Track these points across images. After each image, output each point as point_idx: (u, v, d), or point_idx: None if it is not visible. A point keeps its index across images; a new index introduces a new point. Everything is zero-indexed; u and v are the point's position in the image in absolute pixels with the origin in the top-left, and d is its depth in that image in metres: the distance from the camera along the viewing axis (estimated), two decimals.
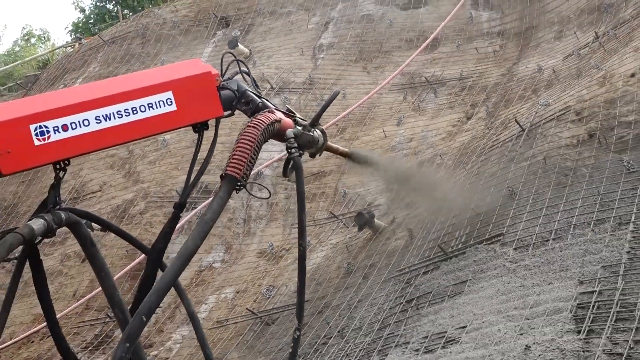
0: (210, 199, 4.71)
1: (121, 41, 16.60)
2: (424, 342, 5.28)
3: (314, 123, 5.38)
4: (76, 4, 26.23)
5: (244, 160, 4.76)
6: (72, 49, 19.98)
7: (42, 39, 28.92)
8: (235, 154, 4.79)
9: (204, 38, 15.51)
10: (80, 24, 25.49)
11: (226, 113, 4.90)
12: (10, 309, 4.07)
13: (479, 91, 10.66)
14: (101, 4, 24.99)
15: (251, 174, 5.02)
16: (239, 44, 13.40)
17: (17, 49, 28.16)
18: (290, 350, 5.95)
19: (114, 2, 24.42)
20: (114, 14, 23.69)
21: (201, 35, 15.55)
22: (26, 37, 28.90)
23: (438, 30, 12.21)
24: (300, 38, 14.01)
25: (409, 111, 11.04)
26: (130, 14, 21.21)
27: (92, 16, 25.21)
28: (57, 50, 23.21)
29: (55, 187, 4.16)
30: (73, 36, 24.64)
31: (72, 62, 17.44)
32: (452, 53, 12.10)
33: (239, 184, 4.76)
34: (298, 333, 5.88)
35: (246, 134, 4.89)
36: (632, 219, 5.37)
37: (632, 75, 7.33)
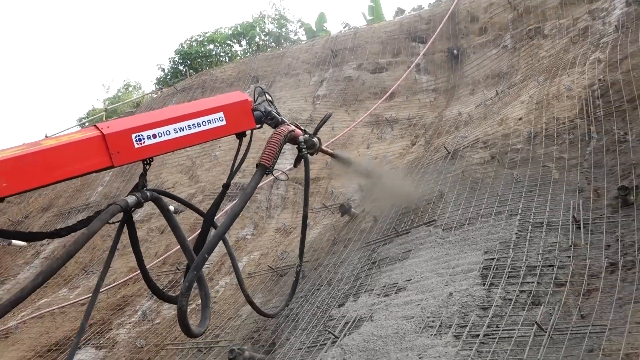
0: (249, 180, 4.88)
1: (188, 90, 16.56)
2: (383, 289, 5.29)
3: (315, 133, 5.69)
4: (159, 65, 26.18)
5: (272, 154, 4.83)
6: (156, 95, 19.94)
7: (136, 87, 28.77)
8: (266, 150, 4.87)
9: (242, 89, 15.45)
10: (161, 79, 25.37)
11: (257, 126, 4.97)
12: (113, 256, 4.04)
13: (420, 127, 10.67)
14: (175, 66, 24.85)
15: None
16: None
17: (119, 94, 28.04)
18: (294, 279, 5.96)
19: (183, 64, 24.31)
20: (184, 72, 23.60)
21: (240, 88, 15.46)
22: (125, 86, 28.73)
23: (394, 87, 12.23)
24: (305, 90, 13.99)
25: (375, 139, 11.03)
26: (194, 72, 21.16)
27: (169, 73, 25.08)
28: (146, 96, 23.13)
29: (143, 175, 4.18)
30: (156, 86, 24.57)
31: (156, 104, 17.38)
32: (403, 102, 12.10)
33: (268, 170, 4.85)
34: (299, 268, 5.88)
35: (274, 137, 4.99)
36: (519, 212, 5.40)
37: (520, 118, 7.36)
